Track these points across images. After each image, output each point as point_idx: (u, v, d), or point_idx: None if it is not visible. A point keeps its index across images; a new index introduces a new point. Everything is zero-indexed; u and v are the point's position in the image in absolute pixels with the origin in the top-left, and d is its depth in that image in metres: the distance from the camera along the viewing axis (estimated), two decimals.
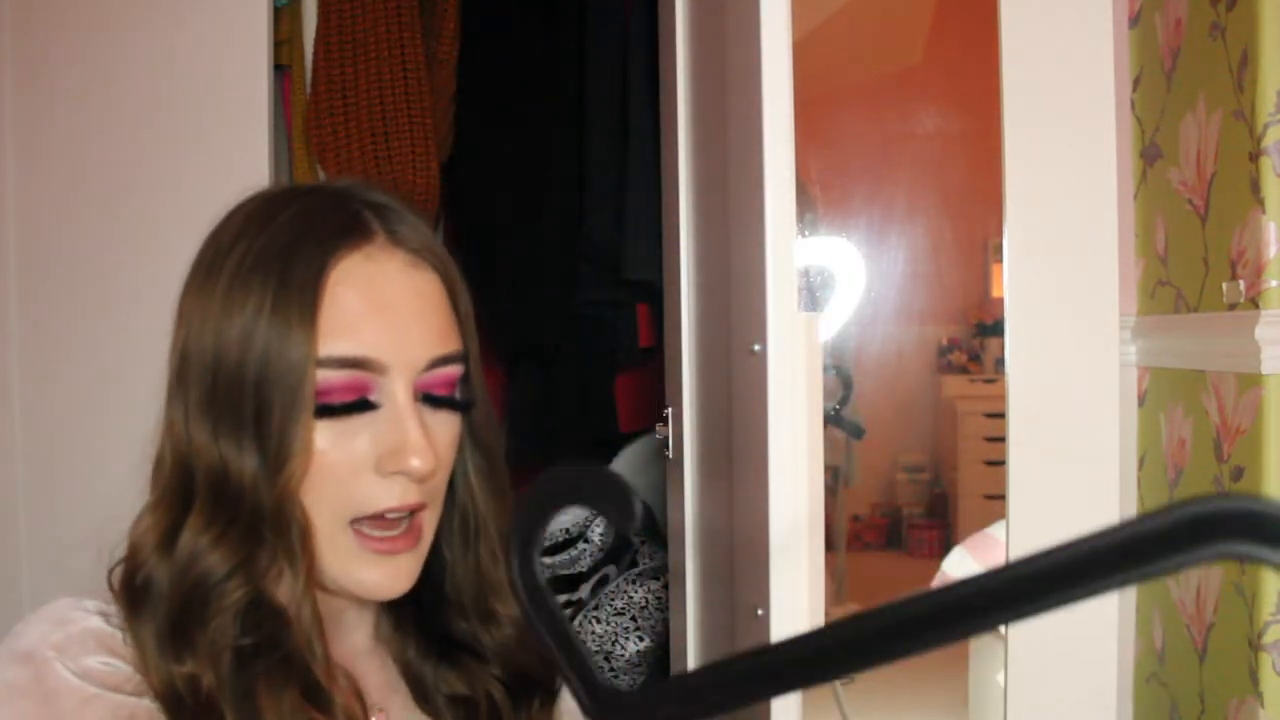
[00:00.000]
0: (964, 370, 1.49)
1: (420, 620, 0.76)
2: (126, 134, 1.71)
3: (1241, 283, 1.24)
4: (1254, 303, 1.22)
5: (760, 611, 0.99)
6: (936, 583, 1.45)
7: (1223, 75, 1.27)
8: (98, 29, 1.72)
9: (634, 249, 1.77)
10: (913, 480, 1.53)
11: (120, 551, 0.67)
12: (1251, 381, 1.21)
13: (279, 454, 0.63)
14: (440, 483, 0.70)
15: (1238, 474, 1.24)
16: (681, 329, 1.50)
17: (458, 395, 0.70)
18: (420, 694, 0.75)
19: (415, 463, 0.65)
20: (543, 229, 1.90)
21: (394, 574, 0.68)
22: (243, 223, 0.68)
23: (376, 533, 0.67)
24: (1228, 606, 1.26)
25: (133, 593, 0.65)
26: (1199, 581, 1.33)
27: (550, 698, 0.78)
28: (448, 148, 1.99)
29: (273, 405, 0.63)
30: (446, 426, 0.69)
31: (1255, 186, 1.21)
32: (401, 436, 0.65)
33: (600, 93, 1.85)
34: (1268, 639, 1.18)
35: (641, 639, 1.86)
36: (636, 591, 1.93)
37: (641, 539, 2.11)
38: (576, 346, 1.94)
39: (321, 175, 1.86)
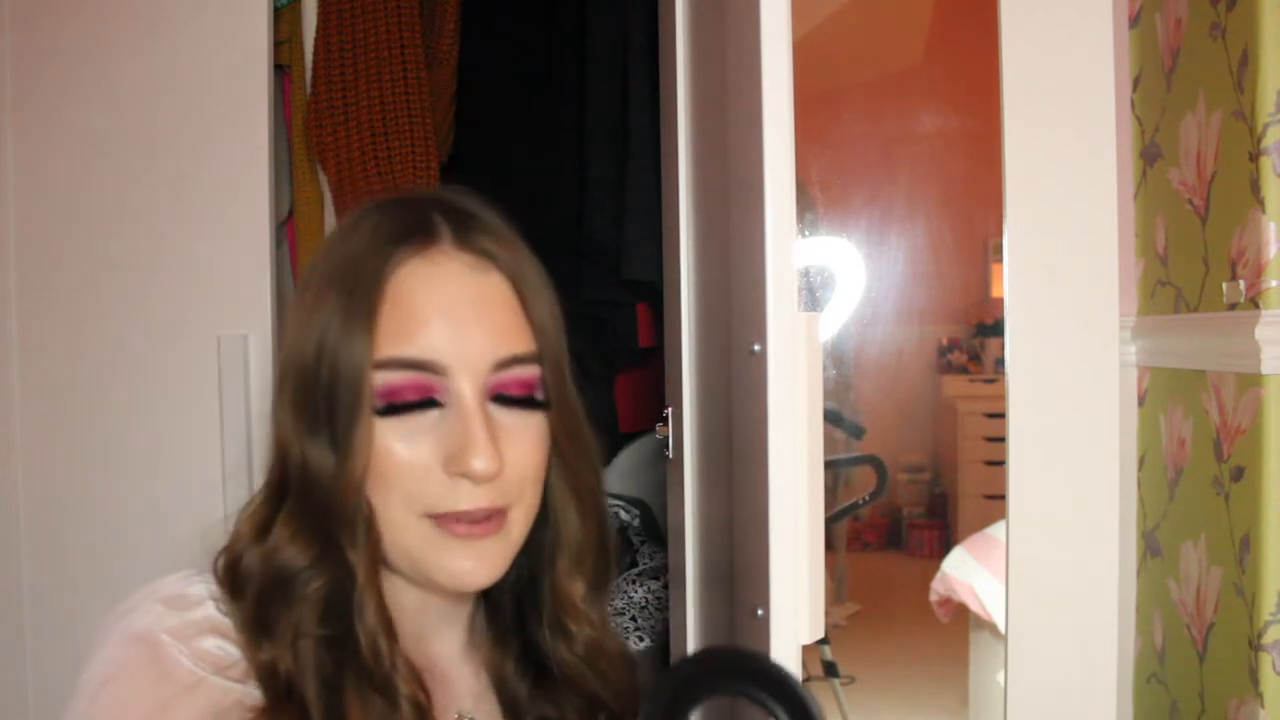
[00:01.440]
0: (964, 370, 1.49)
1: (523, 639, 0.77)
2: (126, 133, 1.71)
3: (1241, 283, 1.24)
4: (1254, 303, 1.22)
5: (760, 611, 0.99)
6: (936, 583, 1.45)
7: (1223, 75, 1.27)
8: (98, 29, 1.72)
9: (634, 249, 1.77)
10: (913, 480, 1.53)
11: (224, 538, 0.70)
12: (1251, 381, 1.21)
13: (344, 450, 0.65)
14: (521, 485, 0.69)
15: (1238, 474, 1.24)
16: (681, 329, 1.50)
17: (538, 396, 0.70)
18: (510, 710, 0.75)
19: (477, 464, 0.65)
20: (542, 229, 1.90)
21: (481, 559, 0.68)
22: (333, 236, 0.72)
23: (457, 523, 0.67)
24: (1228, 606, 1.26)
25: (233, 578, 0.68)
26: (1199, 581, 1.33)
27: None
28: (448, 148, 1.99)
29: (338, 405, 0.66)
30: (526, 430, 0.69)
31: (1255, 186, 1.21)
32: (465, 437, 0.66)
33: (600, 92, 1.84)
34: (1268, 639, 1.18)
35: (641, 639, 1.86)
36: (636, 591, 1.92)
37: (642, 539, 2.11)
38: (576, 346, 1.94)
39: (321, 175, 1.86)
